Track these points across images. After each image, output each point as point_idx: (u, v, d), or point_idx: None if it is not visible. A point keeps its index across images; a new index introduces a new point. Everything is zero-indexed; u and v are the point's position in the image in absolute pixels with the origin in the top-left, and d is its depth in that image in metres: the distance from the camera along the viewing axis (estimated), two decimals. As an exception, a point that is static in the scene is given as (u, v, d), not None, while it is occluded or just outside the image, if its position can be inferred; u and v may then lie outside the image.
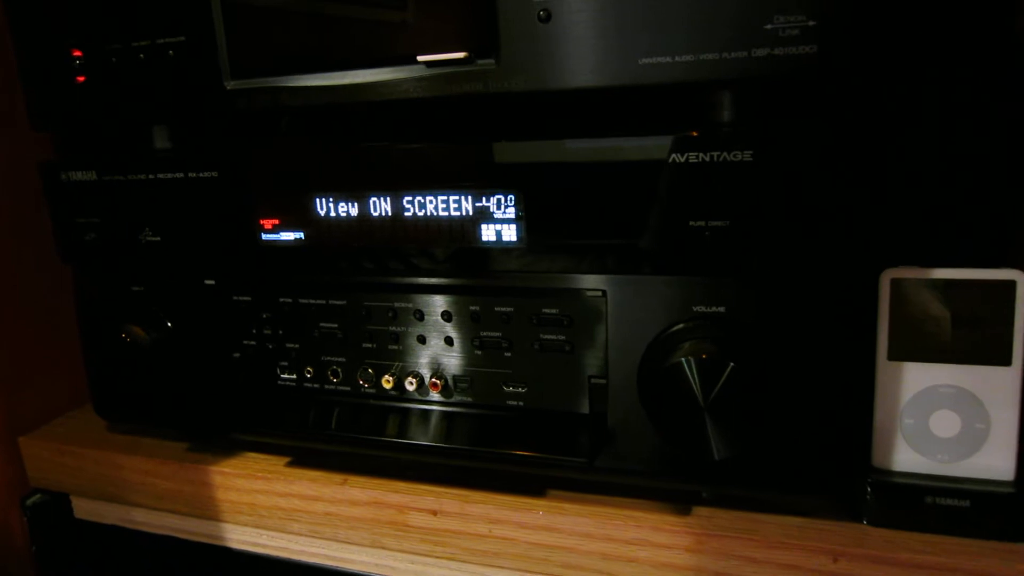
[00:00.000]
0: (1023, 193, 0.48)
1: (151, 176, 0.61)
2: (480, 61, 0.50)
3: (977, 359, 0.51)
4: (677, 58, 0.45)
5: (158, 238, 0.62)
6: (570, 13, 0.47)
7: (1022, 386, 0.51)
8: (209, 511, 0.66)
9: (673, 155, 0.47)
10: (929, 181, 0.48)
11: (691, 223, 0.48)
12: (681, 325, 0.51)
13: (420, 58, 0.51)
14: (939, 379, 0.52)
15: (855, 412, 0.52)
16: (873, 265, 0.51)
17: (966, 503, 0.51)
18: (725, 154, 0.46)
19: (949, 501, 0.52)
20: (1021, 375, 0.50)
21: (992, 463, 0.52)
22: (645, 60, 0.46)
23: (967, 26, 0.42)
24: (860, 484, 0.53)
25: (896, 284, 0.52)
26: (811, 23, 0.42)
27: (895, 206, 0.48)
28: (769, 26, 0.43)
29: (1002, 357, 0.51)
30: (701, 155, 0.47)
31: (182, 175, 0.60)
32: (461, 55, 0.50)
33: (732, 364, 0.48)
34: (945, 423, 0.52)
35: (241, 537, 0.66)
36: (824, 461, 0.52)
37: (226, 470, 0.65)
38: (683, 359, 0.48)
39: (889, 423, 0.53)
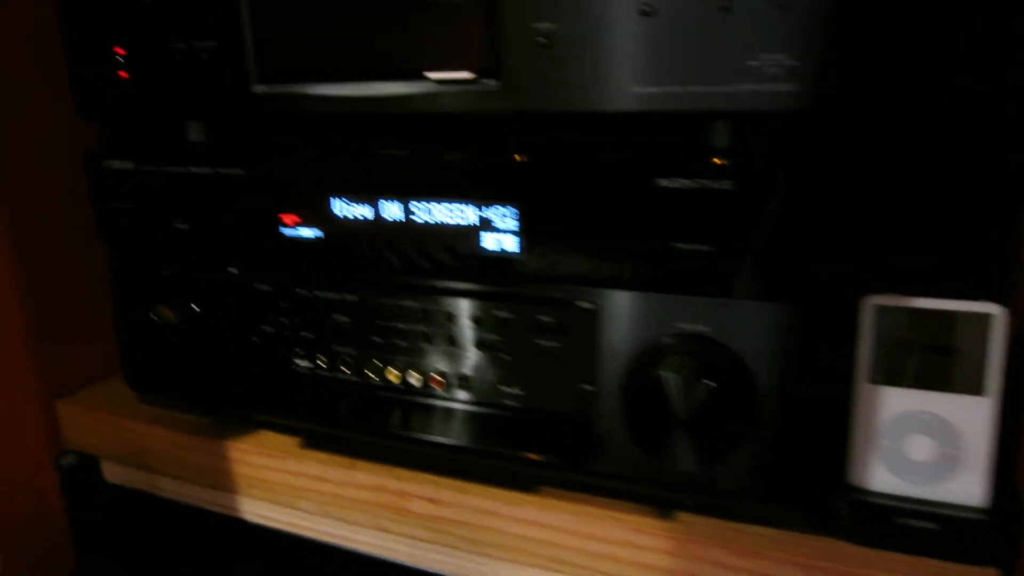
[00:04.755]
0: (1004, 228, 0.49)
1: (183, 169, 0.65)
2: (485, 81, 0.52)
3: (952, 387, 0.53)
4: (667, 89, 0.47)
5: (187, 226, 0.66)
6: (569, 41, 0.49)
7: (995, 415, 0.52)
8: (225, 483, 0.71)
9: (662, 180, 0.50)
10: (910, 213, 0.50)
11: (677, 245, 0.50)
12: (666, 340, 0.53)
13: (429, 75, 0.54)
14: (915, 404, 0.54)
15: (832, 430, 0.54)
16: (855, 291, 0.53)
17: (936, 526, 0.53)
18: (709, 182, 0.48)
19: (920, 523, 0.54)
20: (994, 405, 0.52)
21: (964, 488, 0.53)
22: (638, 89, 0.48)
23: (946, 73, 0.43)
24: (835, 500, 0.56)
25: (878, 311, 0.54)
26: (791, 63, 0.44)
27: (876, 235, 0.49)
28: (753, 63, 0.45)
29: (976, 387, 0.52)
30: (686, 182, 0.49)
31: (211, 170, 0.64)
32: (467, 75, 0.52)
33: (711, 380, 0.50)
34: (920, 447, 0.54)
35: (255, 510, 0.71)
36: (801, 476, 0.54)
37: (243, 446, 0.70)
38: (664, 373, 0.51)
39: (865, 443, 0.55)
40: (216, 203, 0.65)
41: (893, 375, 0.54)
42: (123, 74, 0.64)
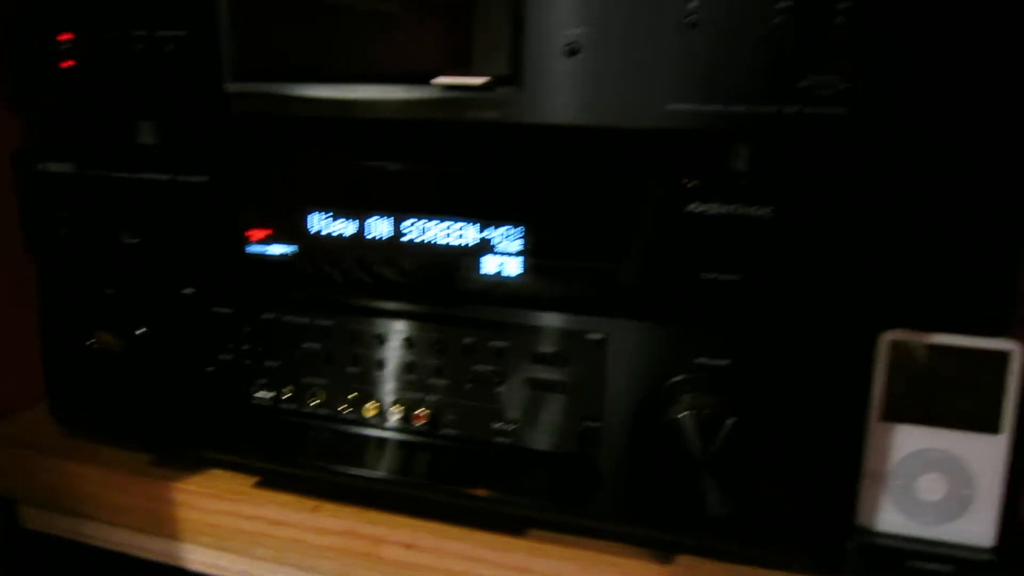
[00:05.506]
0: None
1: (135, 175, 0.58)
2: (500, 88, 0.48)
3: (967, 426, 0.52)
4: (705, 107, 0.45)
5: (136, 240, 0.59)
6: (599, 49, 0.46)
7: (1009, 455, 0.51)
8: (168, 529, 0.63)
9: (691, 204, 0.47)
10: (937, 247, 0.48)
11: (703, 275, 0.47)
12: (682, 376, 0.50)
13: (436, 80, 0.49)
14: (929, 443, 0.52)
15: (845, 470, 0.52)
16: (875, 326, 0.51)
17: (949, 568, 0.52)
18: (745, 207, 0.46)
19: (931, 565, 0.52)
20: (1009, 444, 0.51)
21: (974, 528, 0.52)
22: (672, 106, 0.45)
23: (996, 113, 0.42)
24: (843, 542, 0.53)
25: (894, 346, 0.52)
26: (844, 85, 0.42)
27: (904, 269, 0.48)
28: (803, 83, 0.43)
29: (992, 425, 0.51)
30: (721, 207, 0.46)
31: (169, 177, 0.57)
32: (480, 81, 0.48)
33: (733, 419, 0.47)
34: (932, 486, 0.52)
35: (201, 559, 0.63)
36: (810, 517, 0.52)
37: (190, 488, 0.62)
38: (683, 411, 0.48)
39: (877, 483, 0.53)
40: (172, 214, 0.58)
41: (907, 412, 0.52)
42: (67, 63, 0.57)
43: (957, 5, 0.41)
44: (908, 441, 0.53)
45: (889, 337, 0.52)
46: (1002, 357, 0.51)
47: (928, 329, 0.51)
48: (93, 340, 0.59)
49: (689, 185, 0.47)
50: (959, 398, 0.52)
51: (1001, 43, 0.41)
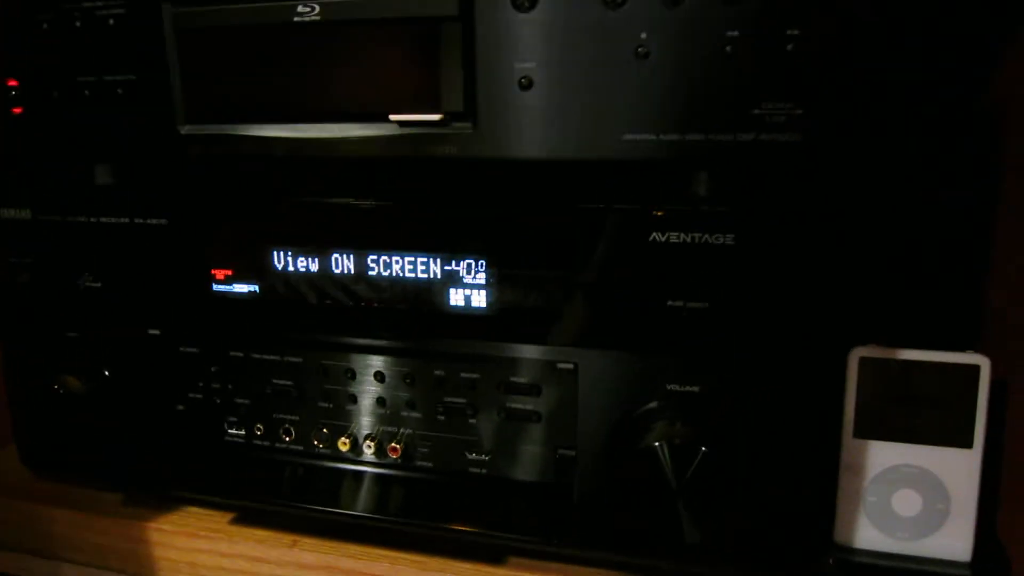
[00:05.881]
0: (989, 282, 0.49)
1: (93, 219, 0.57)
2: (456, 124, 0.48)
3: (940, 440, 0.52)
4: (662, 136, 0.44)
5: (99, 284, 0.58)
6: (553, 82, 0.45)
7: (982, 468, 0.51)
8: (147, 569, 0.62)
9: (654, 234, 0.46)
10: (903, 267, 0.48)
11: (669, 303, 0.47)
12: (654, 404, 0.50)
13: (392, 117, 0.48)
14: (902, 458, 0.52)
15: (820, 489, 0.52)
16: (844, 344, 0.51)
17: (924, 583, 0.52)
18: (707, 236, 0.45)
19: (908, 582, 0.52)
20: (982, 458, 0.51)
21: (950, 543, 0.52)
22: (629, 136, 0.45)
23: (950, 136, 0.42)
24: (822, 561, 0.53)
25: (864, 363, 0.52)
26: (798, 111, 0.42)
27: (870, 289, 0.48)
28: (756, 111, 0.42)
29: (964, 440, 0.51)
30: (683, 236, 0.46)
31: (129, 220, 0.56)
32: (436, 117, 0.48)
33: (705, 448, 0.47)
34: (907, 502, 0.52)
35: (180, 598, 0.63)
36: (788, 538, 0.51)
37: (165, 527, 0.62)
38: (656, 443, 0.47)
39: (852, 500, 0.53)
40: (135, 256, 0.57)
41: (879, 428, 0.52)
42: (16, 109, 0.56)
43: (905, 29, 0.40)
44: (882, 457, 0.53)
45: (858, 354, 0.52)
46: (972, 371, 0.51)
47: (897, 345, 0.51)
48: (58, 386, 0.59)
49: (652, 214, 0.46)
50: (931, 413, 0.52)
51: (954, 66, 0.41)
